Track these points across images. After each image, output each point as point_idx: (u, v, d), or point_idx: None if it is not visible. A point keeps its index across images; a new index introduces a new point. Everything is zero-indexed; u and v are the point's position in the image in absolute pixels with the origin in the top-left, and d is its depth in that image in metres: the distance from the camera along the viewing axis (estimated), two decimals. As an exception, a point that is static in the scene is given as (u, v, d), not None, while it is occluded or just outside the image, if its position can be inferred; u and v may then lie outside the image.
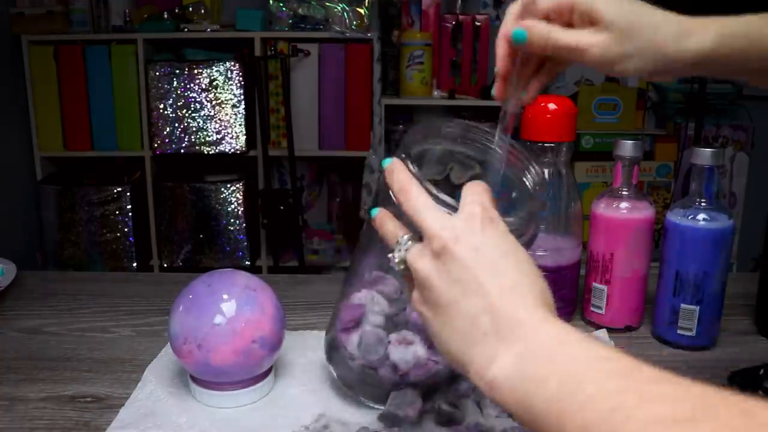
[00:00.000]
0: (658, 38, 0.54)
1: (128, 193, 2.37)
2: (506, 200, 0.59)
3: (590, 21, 0.55)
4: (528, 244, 0.54)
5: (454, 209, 0.48)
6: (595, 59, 0.55)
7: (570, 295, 0.83)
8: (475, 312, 0.42)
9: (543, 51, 0.56)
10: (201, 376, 0.65)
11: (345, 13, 2.28)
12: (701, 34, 0.54)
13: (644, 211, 0.79)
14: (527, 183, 0.58)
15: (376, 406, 0.64)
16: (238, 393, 0.65)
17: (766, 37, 0.55)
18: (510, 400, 0.39)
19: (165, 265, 2.44)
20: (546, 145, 0.81)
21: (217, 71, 2.30)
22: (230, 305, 0.63)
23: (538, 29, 0.56)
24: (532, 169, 0.58)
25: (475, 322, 0.42)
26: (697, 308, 0.75)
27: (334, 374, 0.67)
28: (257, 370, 0.65)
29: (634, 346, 0.78)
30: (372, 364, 0.62)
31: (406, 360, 0.60)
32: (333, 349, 0.66)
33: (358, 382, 0.64)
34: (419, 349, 0.61)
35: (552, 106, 0.80)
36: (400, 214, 0.50)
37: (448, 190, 0.56)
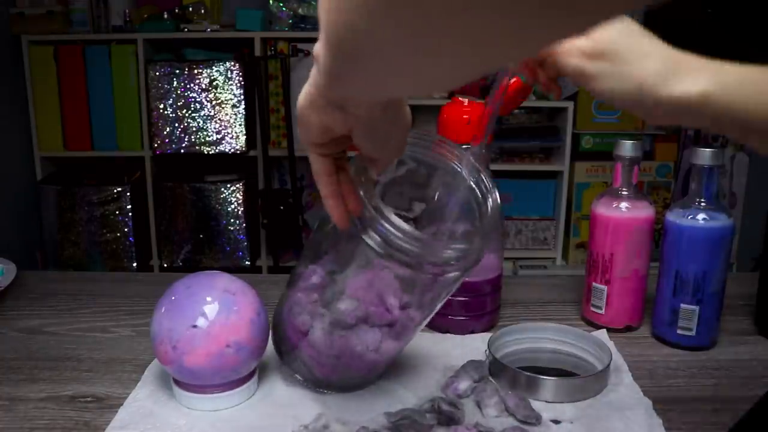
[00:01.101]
0: (638, 71, 0.49)
1: (128, 193, 2.37)
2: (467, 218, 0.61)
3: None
4: (473, 266, 0.57)
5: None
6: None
7: (491, 306, 0.82)
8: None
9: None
10: (178, 378, 0.65)
11: (345, 13, 2.28)
12: (692, 77, 0.48)
13: (644, 211, 0.79)
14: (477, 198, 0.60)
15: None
16: (216, 396, 0.65)
17: None
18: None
19: (165, 265, 2.44)
20: (463, 146, 0.79)
21: (217, 71, 2.30)
22: (205, 308, 0.62)
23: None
24: (483, 180, 0.61)
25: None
26: (697, 308, 0.75)
27: (299, 378, 0.68)
28: (233, 374, 0.64)
29: (634, 346, 0.78)
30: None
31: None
32: (288, 355, 0.68)
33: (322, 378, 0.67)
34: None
35: (467, 107, 0.79)
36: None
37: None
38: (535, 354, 0.75)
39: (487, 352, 0.71)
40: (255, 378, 0.68)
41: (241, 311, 0.64)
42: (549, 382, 0.66)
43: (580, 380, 0.68)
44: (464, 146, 0.78)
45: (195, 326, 0.62)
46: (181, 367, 0.63)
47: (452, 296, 0.70)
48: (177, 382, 0.66)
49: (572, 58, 0.53)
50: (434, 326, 0.80)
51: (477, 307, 0.80)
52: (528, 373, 0.67)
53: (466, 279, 0.71)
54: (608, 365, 0.69)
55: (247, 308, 0.64)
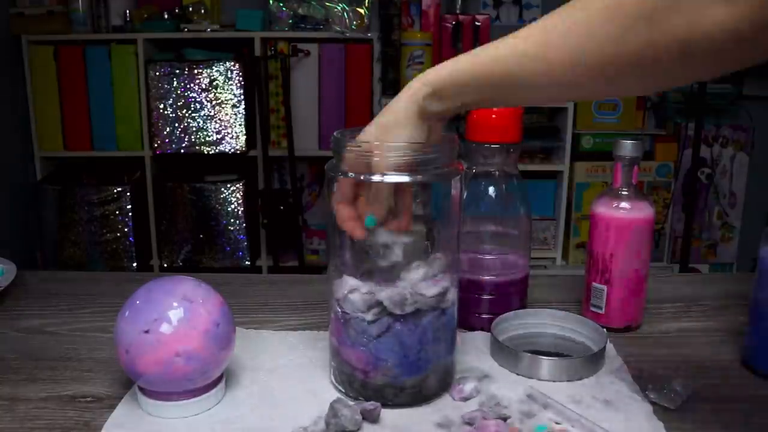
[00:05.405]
0: None
1: (128, 193, 2.37)
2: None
3: None
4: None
5: None
6: None
7: (519, 305, 0.83)
8: None
9: None
10: (137, 382, 0.64)
11: (345, 13, 2.28)
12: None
13: (644, 211, 0.79)
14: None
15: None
16: (171, 405, 0.63)
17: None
18: None
19: (165, 265, 2.44)
20: (492, 146, 0.80)
21: (217, 71, 2.30)
22: (159, 315, 0.61)
23: None
24: None
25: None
26: None
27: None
28: (186, 384, 0.62)
29: (634, 346, 0.78)
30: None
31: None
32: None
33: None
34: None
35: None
36: None
37: None
38: (536, 338, 0.79)
39: (491, 335, 0.74)
40: (218, 389, 0.66)
41: (195, 320, 0.62)
42: (548, 362, 0.70)
43: (578, 361, 0.71)
44: (493, 145, 0.79)
45: (147, 332, 0.60)
46: (134, 372, 0.62)
47: (482, 296, 0.80)
48: (139, 387, 0.65)
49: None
50: (465, 326, 0.81)
51: (505, 306, 0.81)
52: (529, 354, 0.71)
53: (496, 279, 0.79)
54: (604, 347, 0.73)
55: (203, 317, 0.62)
